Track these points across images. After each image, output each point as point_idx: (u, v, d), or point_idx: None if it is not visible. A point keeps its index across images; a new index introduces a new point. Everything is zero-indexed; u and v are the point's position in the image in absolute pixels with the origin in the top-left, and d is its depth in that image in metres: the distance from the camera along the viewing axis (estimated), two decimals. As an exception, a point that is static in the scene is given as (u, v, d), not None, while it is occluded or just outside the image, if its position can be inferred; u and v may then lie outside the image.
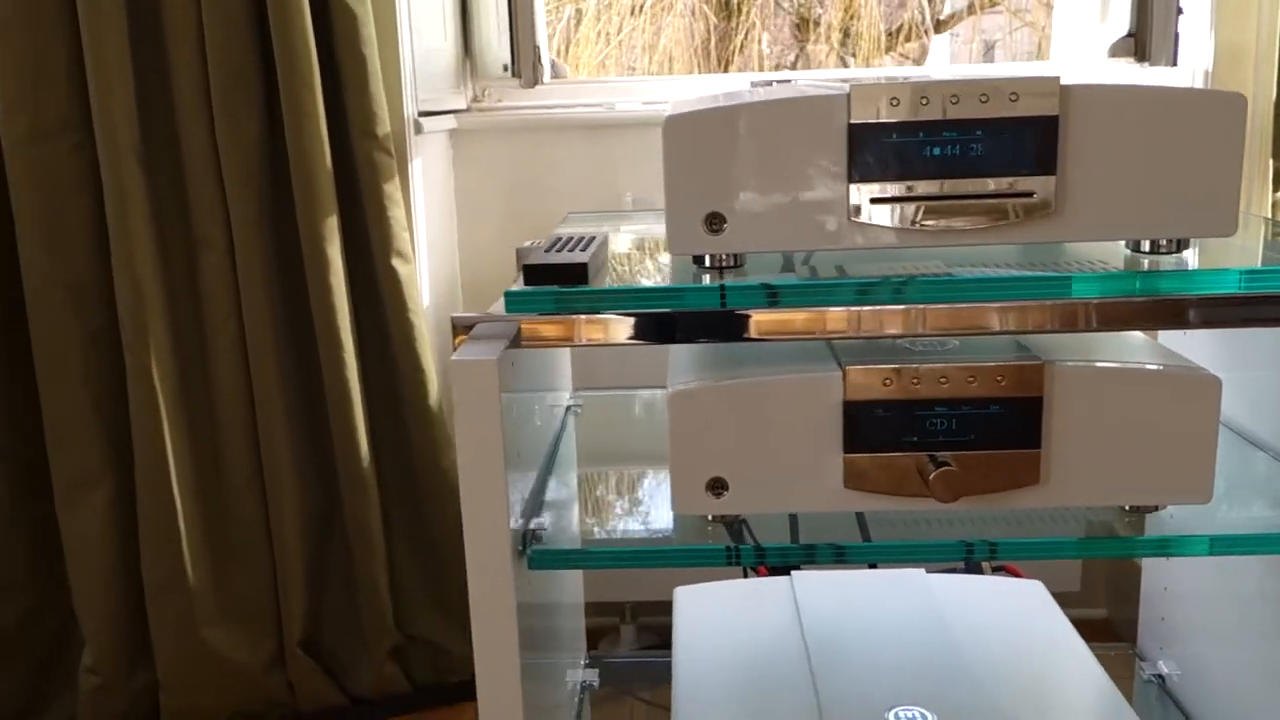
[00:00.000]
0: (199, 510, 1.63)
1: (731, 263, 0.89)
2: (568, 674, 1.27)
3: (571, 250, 0.91)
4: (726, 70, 3.77)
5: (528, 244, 1.77)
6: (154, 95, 1.53)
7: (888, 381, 0.86)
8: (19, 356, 1.62)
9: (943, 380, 0.86)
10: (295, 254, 1.59)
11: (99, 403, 1.61)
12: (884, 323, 0.83)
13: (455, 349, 0.87)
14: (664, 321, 0.83)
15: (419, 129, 1.69)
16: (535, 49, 1.61)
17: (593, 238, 0.96)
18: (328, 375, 1.61)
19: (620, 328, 0.84)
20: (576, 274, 0.85)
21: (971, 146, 0.83)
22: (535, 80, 1.64)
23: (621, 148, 1.86)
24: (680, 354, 0.97)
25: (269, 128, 1.56)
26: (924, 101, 0.82)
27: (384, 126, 1.58)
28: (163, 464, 1.58)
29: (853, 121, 0.82)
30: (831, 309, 0.83)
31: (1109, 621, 1.94)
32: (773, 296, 0.82)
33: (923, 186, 0.83)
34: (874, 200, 0.84)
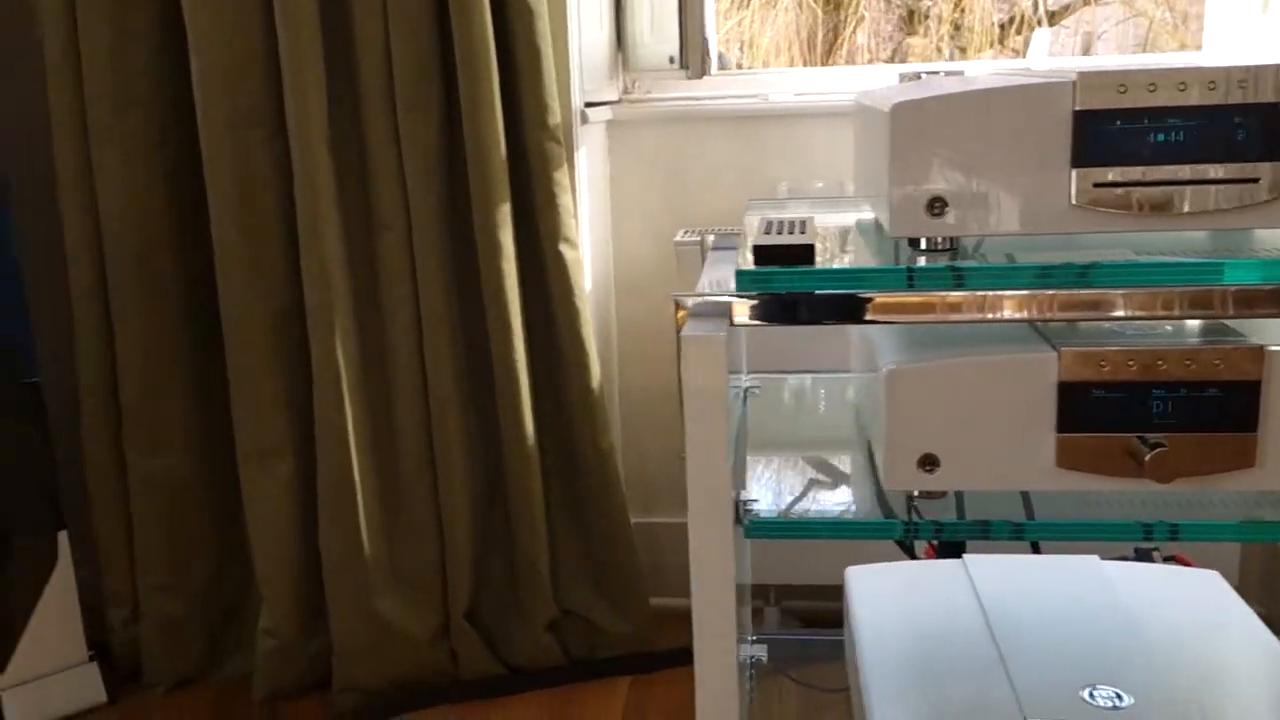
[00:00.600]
0: (375, 485, 1.70)
1: (947, 245, 0.92)
2: (740, 649, 1.31)
3: (788, 233, 0.94)
4: (825, 64, 3.78)
5: (682, 234, 1.82)
6: (342, 90, 1.61)
7: (1104, 364, 0.88)
8: (211, 337, 1.72)
9: (1160, 363, 0.88)
10: (469, 239, 1.66)
11: (284, 379, 1.70)
12: (1101, 304, 0.86)
13: (680, 327, 0.91)
14: (891, 304, 0.86)
15: (585, 119, 1.74)
16: (704, 41, 1.65)
17: (803, 221, 1.00)
18: (497, 358, 1.68)
19: (845, 307, 0.88)
20: (804, 255, 0.89)
21: (1197, 133, 0.84)
22: (703, 71, 1.68)
23: (774, 138, 1.89)
24: (883, 334, 1.00)
25: (447, 120, 1.63)
26: (1152, 88, 0.84)
27: (555, 117, 1.63)
28: (343, 441, 1.66)
29: (1078, 108, 0.85)
30: (1027, 291, 0.86)
31: (1268, 619, 1.92)
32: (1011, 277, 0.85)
33: (1148, 172, 0.85)
34: (1097, 185, 0.86)
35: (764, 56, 3.77)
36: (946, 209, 0.88)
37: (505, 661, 1.79)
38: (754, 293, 0.90)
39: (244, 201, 1.64)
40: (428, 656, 1.76)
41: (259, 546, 1.75)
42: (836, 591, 1.68)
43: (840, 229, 1.19)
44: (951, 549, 1.39)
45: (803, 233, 0.95)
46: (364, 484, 1.69)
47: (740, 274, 0.89)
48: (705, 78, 1.83)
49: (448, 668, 1.78)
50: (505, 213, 1.63)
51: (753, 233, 1.01)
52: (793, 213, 1.28)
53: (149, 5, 1.62)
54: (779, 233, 0.96)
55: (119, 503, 1.78)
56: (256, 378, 1.69)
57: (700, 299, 0.94)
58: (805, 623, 1.91)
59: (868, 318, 0.87)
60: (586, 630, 1.82)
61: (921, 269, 0.86)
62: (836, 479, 1.12)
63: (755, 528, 0.95)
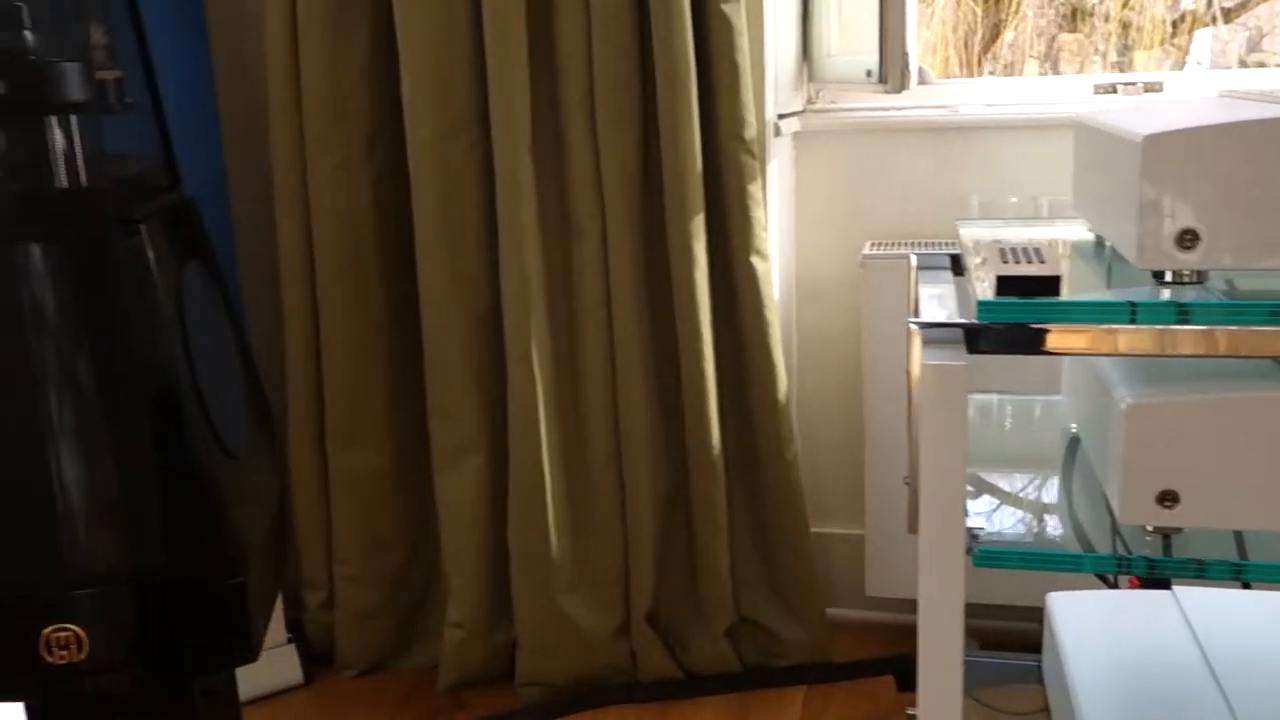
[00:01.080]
0: (564, 486, 1.75)
1: (1194, 279, 0.90)
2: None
3: (1027, 261, 0.94)
4: (980, 63, 3.68)
5: (870, 247, 1.81)
6: (544, 100, 1.66)
7: (1365, 403, 0.85)
8: (411, 338, 1.79)
9: None
10: (663, 248, 1.69)
11: (479, 379, 1.76)
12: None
13: (915, 352, 0.91)
14: (1143, 337, 0.85)
15: (778, 131, 1.75)
16: (904, 56, 1.64)
17: (1038, 249, 0.99)
18: (686, 365, 1.70)
19: (1091, 339, 0.87)
20: (1049, 286, 0.88)
21: None
22: (902, 86, 1.67)
23: (962, 151, 1.86)
24: (1111, 363, 0.99)
25: (645, 130, 1.66)
26: None
27: (750, 130, 1.65)
28: (535, 440, 1.71)
29: (1351, 141, 0.82)
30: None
31: None
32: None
33: None
34: (1367, 220, 0.83)
35: (920, 56, 3.70)
36: (1198, 242, 0.87)
37: (683, 665, 1.82)
38: (996, 322, 0.89)
39: (446, 208, 1.70)
40: (608, 655, 1.80)
41: (448, 541, 1.81)
42: (1013, 611, 1.66)
43: (1054, 245, 1.17)
44: (1157, 579, 1.36)
45: (1042, 261, 0.94)
46: (553, 484, 1.74)
47: (983, 304, 0.89)
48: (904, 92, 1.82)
49: (627, 668, 1.82)
50: (699, 223, 1.66)
51: (982, 257, 1.01)
52: (1004, 231, 1.26)
53: (363, 22, 1.70)
54: (1016, 260, 0.95)
55: (319, 495, 1.87)
56: (453, 378, 1.75)
57: (936, 326, 0.94)
58: (982, 643, 1.88)
59: (1121, 351, 0.86)
60: (763, 638, 1.83)
61: (1194, 304, 0.85)
62: (1057, 507, 1.10)
63: (984, 557, 0.94)
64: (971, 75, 2.38)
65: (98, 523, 0.95)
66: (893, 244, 1.84)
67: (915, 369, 0.91)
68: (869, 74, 1.71)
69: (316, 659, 1.94)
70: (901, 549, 1.87)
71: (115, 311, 0.94)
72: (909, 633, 1.87)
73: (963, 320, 0.93)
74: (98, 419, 0.95)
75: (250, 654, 1.01)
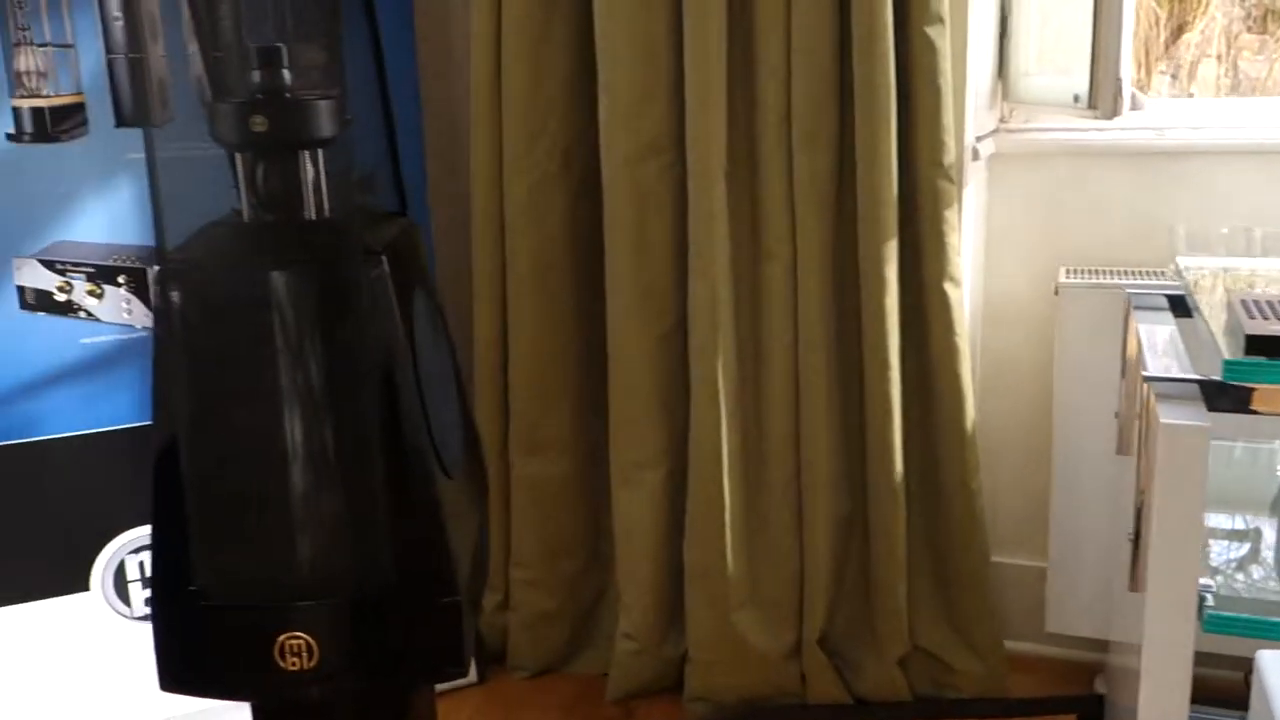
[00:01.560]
0: (741, 503, 1.76)
1: None
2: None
3: (1276, 319, 0.90)
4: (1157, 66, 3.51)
5: (1065, 275, 1.76)
6: (741, 121, 1.66)
7: None
8: (596, 352, 1.82)
9: None
10: (853, 273, 1.67)
11: (662, 395, 1.78)
12: None
13: (1150, 408, 0.89)
14: None
15: (975, 155, 1.71)
16: (1117, 81, 1.59)
17: (1286, 303, 0.94)
18: (870, 389, 1.69)
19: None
20: (1307, 349, 0.84)
21: None
22: (1114, 112, 1.62)
23: (1168, 176, 1.79)
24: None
25: (841, 152, 1.65)
26: None
27: (950, 155, 1.62)
28: (716, 458, 1.72)
29: None
30: None
31: None
32: None
33: None
34: None
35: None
36: None
37: (853, 691, 1.81)
38: (1242, 383, 0.86)
39: (638, 227, 1.72)
40: (778, 676, 1.80)
41: (624, 553, 1.84)
42: (1215, 660, 1.57)
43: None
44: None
45: (1296, 320, 0.90)
46: (732, 502, 1.74)
47: (1230, 365, 0.86)
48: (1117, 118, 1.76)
49: (796, 689, 1.82)
50: (892, 248, 1.64)
51: (1221, 307, 0.97)
52: (1226, 262, 1.21)
53: (564, 44, 1.73)
54: (1264, 316, 0.91)
55: (501, 501, 1.92)
56: (636, 392, 1.78)
57: (1174, 381, 0.91)
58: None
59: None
60: (937, 669, 1.80)
61: None
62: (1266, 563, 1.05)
63: (1215, 623, 0.91)
64: (1147, 77, 2.27)
65: (330, 537, 1.00)
66: (1089, 271, 1.78)
67: (1151, 424, 0.88)
68: (1076, 99, 1.66)
69: (490, 658, 2.00)
70: (1086, 585, 1.81)
71: (355, 337, 0.99)
72: (1089, 671, 1.82)
73: (1203, 377, 0.89)
74: (334, 439, 0.99)
75: (461, 669, 1.04)
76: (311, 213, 1.01)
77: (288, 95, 0.99)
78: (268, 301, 0.97)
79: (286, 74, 0.99)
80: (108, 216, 1.58)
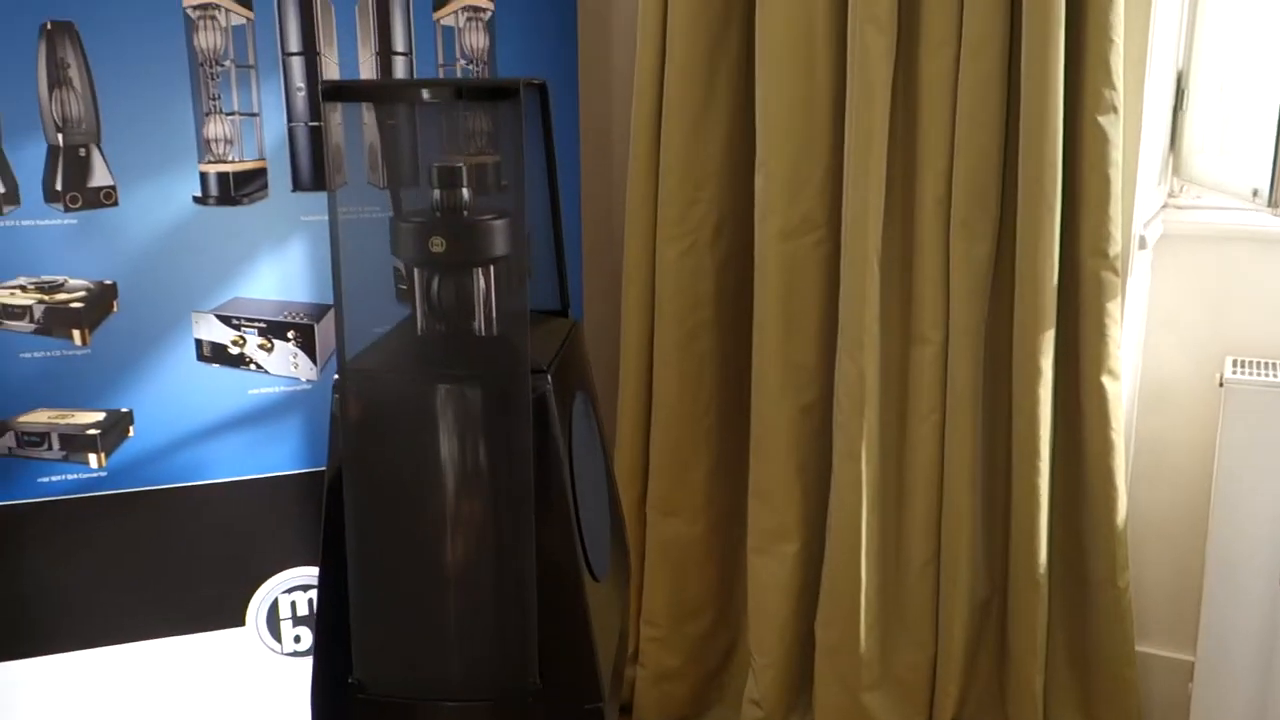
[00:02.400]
0: (878, 582, 1.74)
1: None
2: None
3: None
4: None
5: (1232, 368, 1.69)
6: (899, 202, 1.64)
7: None
8: (737, 417, 1.83)
9: None
10: (1006, 360, 1.64)
11: (802, 468, 1.77)
12: None
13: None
14: None
15: (1142, 244, 1.66)
16: (1298, 179, 1.52)
17: None
18: (1017, 478, 1.65)
19: None
20: None
21: None
22: (1295, 210, 1.55)
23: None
24: None
25: (1000, 239, 1.62)
26: None
27: (1115, 246, 1.57)
28: (855, 536, 1.71)
29: None
30: None
31: None
32: None
33: None
34: None
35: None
36: None
37: (983, 779, 1.78)
38: None
39: (787, 299, 1.72)
40: (906, 758, 1.79)
41: (756, 621, 1.84)
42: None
43: None
44: None
45: None
46: (868, 581, 1.73)
47: None
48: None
49: (923, 773, 1.80)
50: (1049, 339, 1.60)
51: None
52: None
53: (724, 116, 1.74)
54: None
55: (635, 556, 1.94)
56: (775, 462, 1.78)
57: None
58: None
59: None
60: (1072, 764, 1.76)
61: None
62: None
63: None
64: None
65: (481, 641, 1.04)
66: (1258, 365, 1.70)
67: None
68: (1255, 194, 1.59)
69: (619, 710, 2.03)
70: (1237, 686, 1.74)
71: (516, 446, 1.02)
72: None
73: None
74: (490, 543, 1.03)
75: (604, 773, 1.07)
76: (481, 325, 1.04)
77: (465, 214, 1.03)
78: (435, 413, 1.01)
79: (465, 193, 1.02)
80: (280, 275, 1.66)
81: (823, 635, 1.78)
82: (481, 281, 1.03)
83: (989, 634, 1.77)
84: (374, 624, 1.03)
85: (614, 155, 1.97)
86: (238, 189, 1.62)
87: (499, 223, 1.02)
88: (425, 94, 1.02)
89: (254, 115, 1.61)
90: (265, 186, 1.63)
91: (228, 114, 1.59)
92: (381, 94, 1.04)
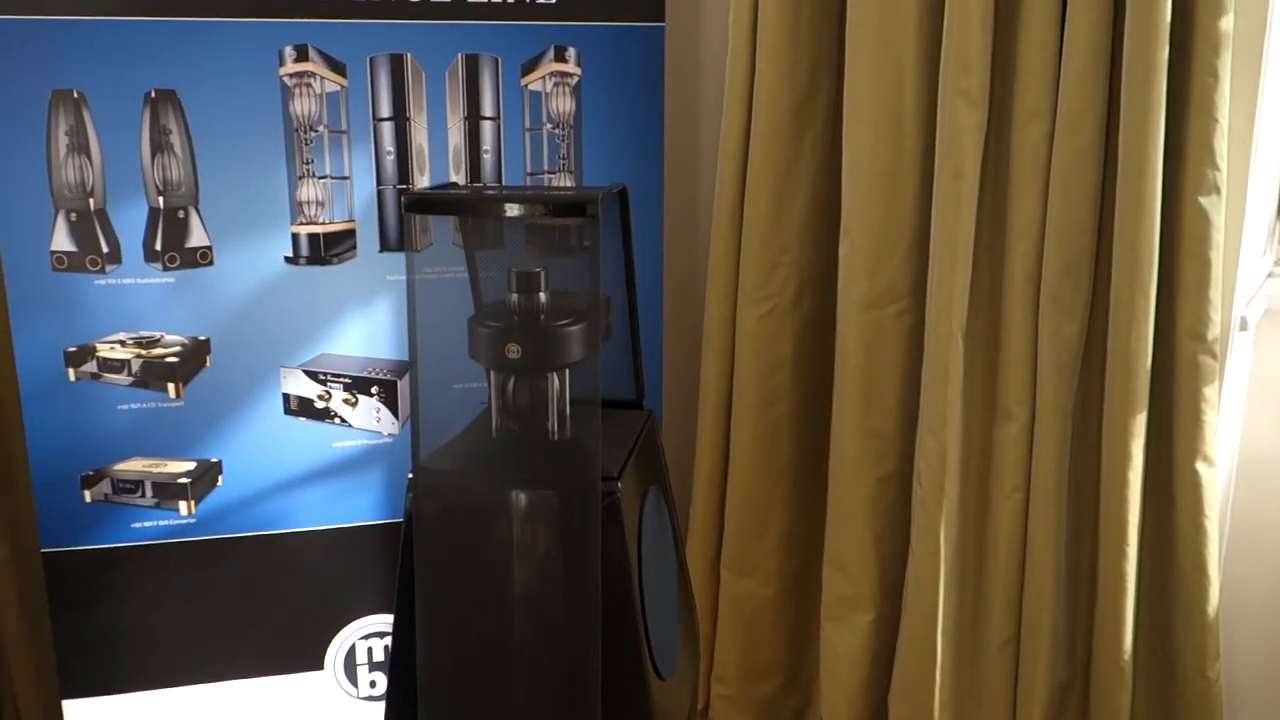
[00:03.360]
0: (953, 660, 1.71)
1: None
2: None
3: None
4: None
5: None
6: (986, 277, 1.61)
7: None
8: (814, 481, 1.81)
9: None
10: (1094, 441, 1.59)
11: (878, 538, 1.75)
12: None
13: None
14: None
15: (1244, 326, 1.60)
16: None
17: None
18: (1104, 561, 1.60)
19: None
20: None
21: None
22: None
23: None
24: None
25: (1092, 319, 1.57)
26: None
27: (1214, 330, 1.51)
28: (932, 613, 1.68)
29: None
30: None
31: None
32: None
33: None
34: None
35: None
36: None
37: None
38: None
39: (867, 368, 1.70)
40: (979, 839, 1.75)
41: (828, 689, 1.82)
42: None
43: None
44: None
45: None
46: (944, 658, 1.70)
47: None
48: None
49: None
50: (1140, 422, 1.55)
51: None
52: None
53: (807, 183, 1.73)
54: None
55: (708, 616, 1.94)
56: (851, 533, 1.76)
57: None
58: None
59: None
60: None
61: None
62: None
63: None
64: None
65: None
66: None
67: None
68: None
69: (686, 763, 2.03)
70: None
71: (586, 550, 1.02)
72: None
73: None
74: (558, 643, 1.03)
75: None
76: (555, 428, 1.04)
77: (542, 318, 1.03)
78: (507, 515, 1.01)
79: (543, 297, 1.03)
80: (365, 332, 1.69)
81: (895, 710, 1.76)
82: (556, 384, 1.04)
83: (1068, 717, 1.72)
84: (438, 716, 1.05)
85: (699, 235, 1.96)
86: (328, 249, 1.66)
87: (574, 329, 1.03)
88: (507, 210, 1.03)
89: (345, 179, 1.64)
90: (354, 247, 1.67)
91: (320, 177, 1.63)
92: (463, 207, 1.05)
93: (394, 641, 1.08)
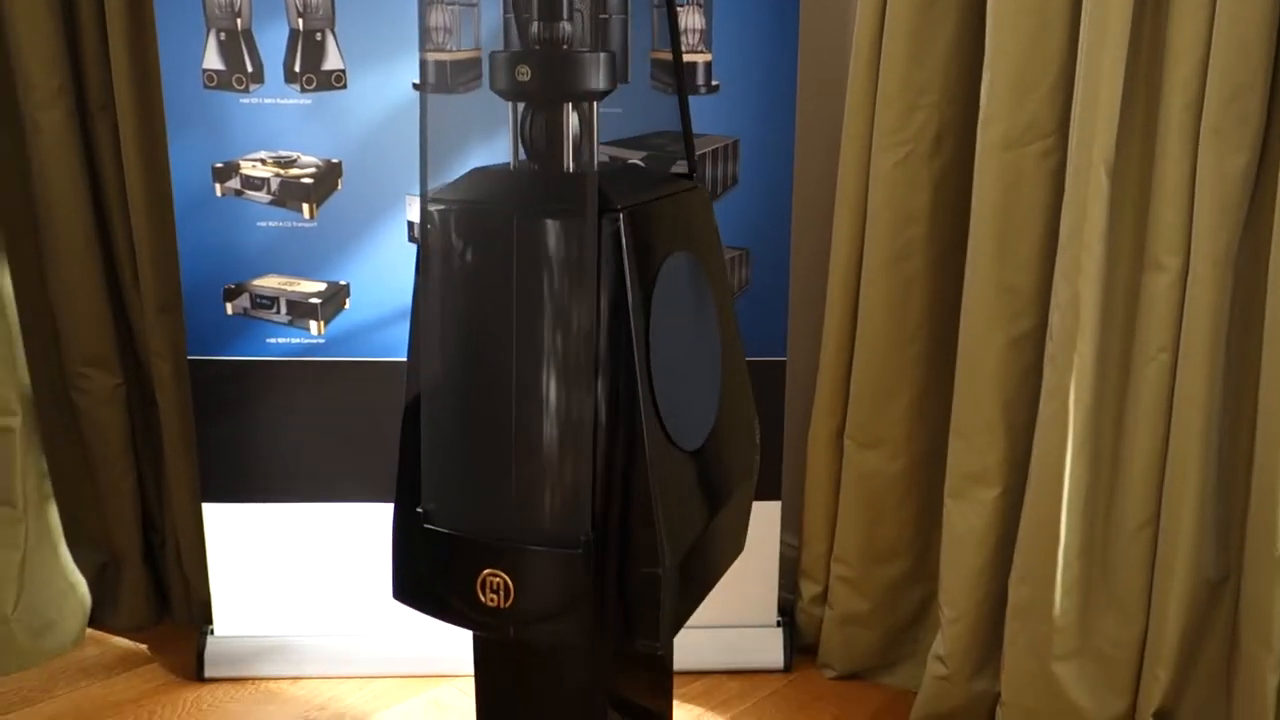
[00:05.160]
0: (1080, 542, 1.54)
1: None
2: None
3: None
4: None
5: None
6: (1139, 110, 1.44)
7: None
8: (945, 346, 1.69)
9: None
10: (1258, 294, 1.39)
11: (1008, 406, 1.60)
12: None
13: None
14: None
15: None
16: None
17: None
18: (1263, 440, 1.40)
19: None
20: None
21: None
22: None
23: None
24: None
25: (1262, 155, 1.37)
26: None
27: None
28: (1057, 483, 1.52)
29: None
30: None
31: None
32: None
33: None
34: None
35: None
36: None
37: (1197, 784, 1.54)
38: None
39: (1005, 216, 1.55)
40: (1104, 748, 1.58)
41: (947, 571, 1.70)
42: None
43: None
44: None
45: None
46: (1069, 539, 1.54)
47: None
48: None
49: (1124, 767, 1.58)
50: (1313, 273, 1.34)
51: None
52: None
53: (950, 18, 1.60)
54: None
55: (830, 491, 1.84)
56: (980, 398, 1.62)
57: None
58: None
59: None
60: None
61: None
62: None
63: None
64: None
65: (540, 483, 1.01)
66: None
67: None
68: None
69: (803, 649, 1.94)
70: None
71: (584, 289, 0.98)
72: None
73: None
74: (556, 388, 1.00)
75: (655, 642, 1.01)
76: (570, 163, 1.01)
77: (565, 47, 1.00)
78: (509, 244, 0.99)
79: (566, 26, 1.00)
80: (485, 159, 1.71)
81: (1015, 593, 1.61)
82: (574, 119, 1.00)
83: (1218, 618, 1.52)
84: (439, 454, 1.04)
85: (836, 76, 1.85)
86: (454, 77, 1.68)
87: (591, 56, 0.99)
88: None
89: (472, 5, 1.66)
90: (479, 76, 1.68)
91: (448, 3, 1.65)
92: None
93: (407, 378, 1.08)
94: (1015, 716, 1.63)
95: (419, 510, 1.05)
